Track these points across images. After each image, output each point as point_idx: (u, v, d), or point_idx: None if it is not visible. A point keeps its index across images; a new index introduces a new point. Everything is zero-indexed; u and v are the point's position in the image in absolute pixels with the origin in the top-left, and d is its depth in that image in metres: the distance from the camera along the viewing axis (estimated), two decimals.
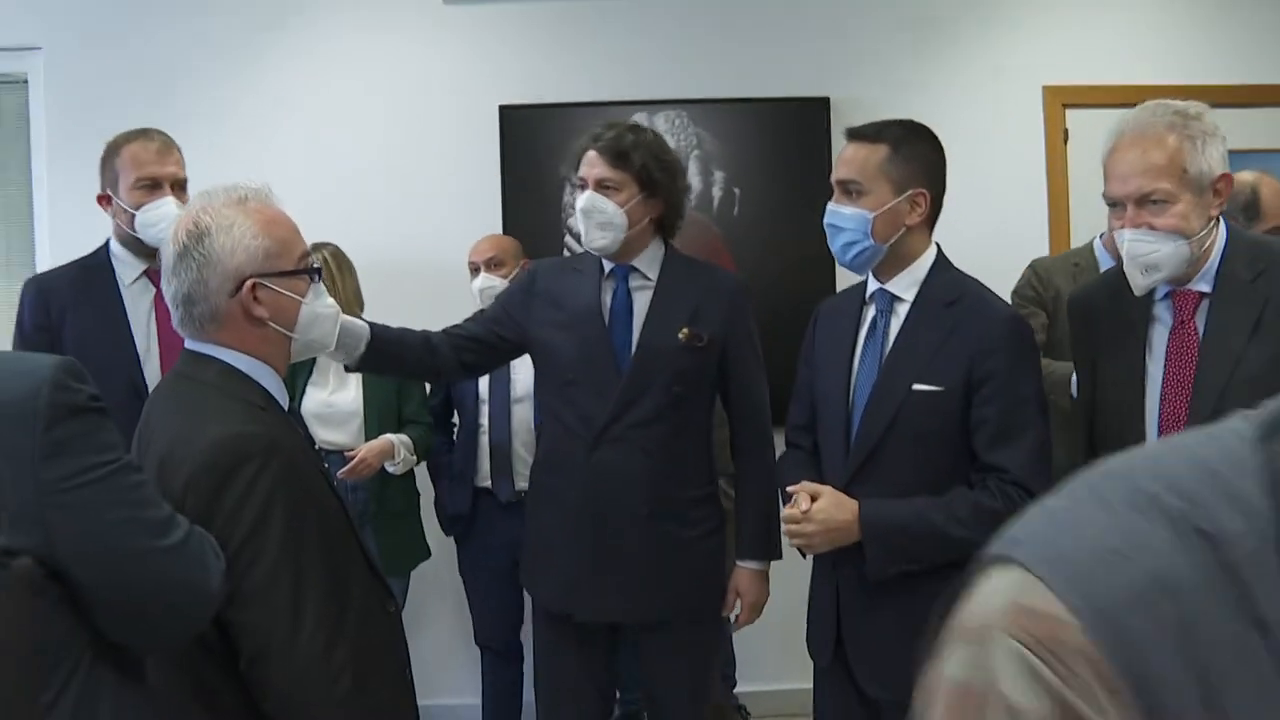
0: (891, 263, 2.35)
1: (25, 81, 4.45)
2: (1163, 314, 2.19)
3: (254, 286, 1.76)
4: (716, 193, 4.40)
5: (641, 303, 2.72)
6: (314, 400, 3.68)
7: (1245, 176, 3.53)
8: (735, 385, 2.77)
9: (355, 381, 3.73)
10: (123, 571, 1.39)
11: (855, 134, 2.37)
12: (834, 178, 2.38)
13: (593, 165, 2.68)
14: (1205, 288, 2.15)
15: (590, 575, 2.65)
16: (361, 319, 2.62)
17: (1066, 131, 4.50)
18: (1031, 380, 2.29)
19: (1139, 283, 2.15)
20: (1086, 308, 2.36)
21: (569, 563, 2.68)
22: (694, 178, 4.38)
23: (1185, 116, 2.10)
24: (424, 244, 4.36)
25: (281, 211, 1.87)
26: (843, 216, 2.32)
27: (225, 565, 1.55)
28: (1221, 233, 2.15)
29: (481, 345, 2.77)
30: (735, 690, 4.25)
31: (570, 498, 2.67)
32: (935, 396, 2.26)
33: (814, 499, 2.29)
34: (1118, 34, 4.51)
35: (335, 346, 2.39)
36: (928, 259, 2.37)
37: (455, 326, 2.79)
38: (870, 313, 2.39)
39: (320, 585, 1.68)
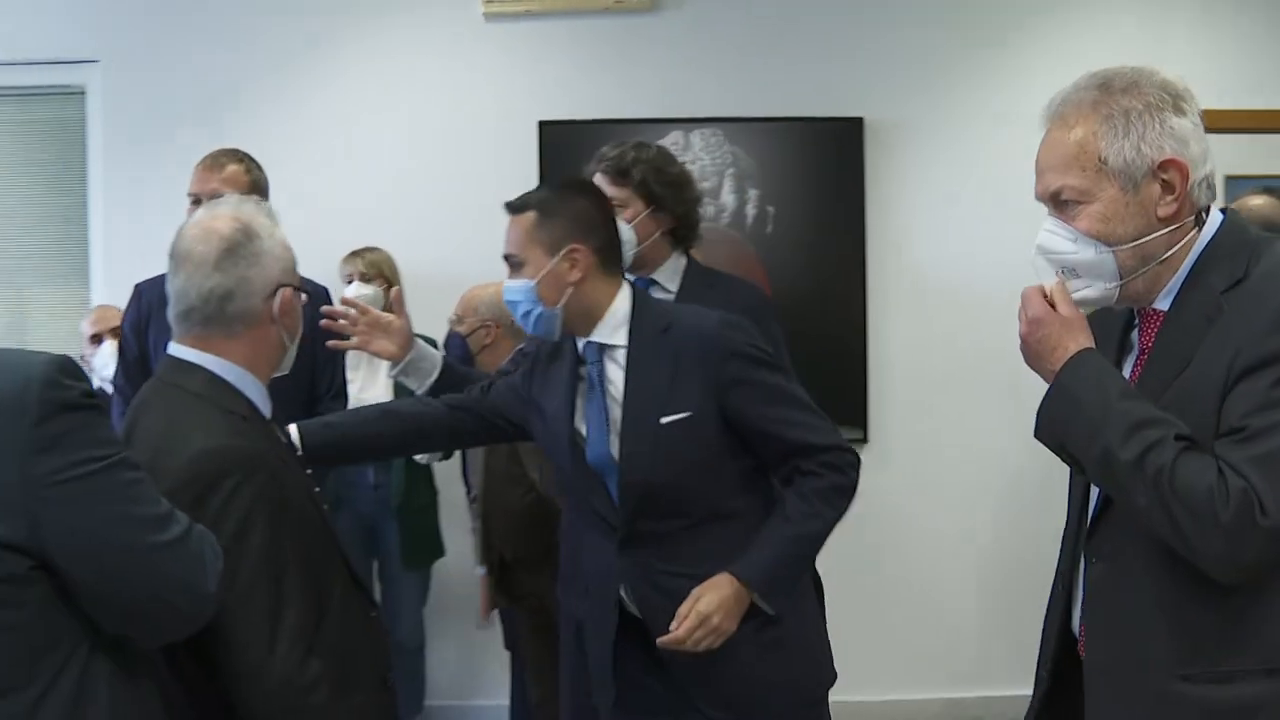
0: (582, 319, 2.30)
1: (83, 93, 4.60)
2: (1135, 338, 1.76)
3: (291, 293, 1.84)
4: (750, 210, 4.45)
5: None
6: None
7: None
8: None
9: (384, 376, 3.82)
10: (114, 567, 1.39)
11: (507, 207, 2.34)
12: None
13: (600, 187, 2.72)
14: (1166, 306, 1.67)
15: None
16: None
17: None
18: (770, 369, 2.26)
19: None
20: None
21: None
22: (728, 195, 4.45)
23: (1108, 90, 1.65)
24: (462, 258, 4.39)
25: None
26: (513, 290, 2.30)
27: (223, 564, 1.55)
28: (1206, 234, 1.66)
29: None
30: None
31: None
32: (686, 422, 2.22)
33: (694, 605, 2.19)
34: (1151, 49, 4.50)
35: (410, 378, 2.58)
36: (623, 301, 2.31)
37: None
38: (585, 369, 2.34)
39: (298, 598, 1.70)
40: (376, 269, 4.09)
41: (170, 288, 1.82)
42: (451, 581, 4.25)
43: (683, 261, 2.84)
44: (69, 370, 1.38)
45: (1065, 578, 1.82)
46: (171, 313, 1.82)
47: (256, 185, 3.33)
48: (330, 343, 2.62)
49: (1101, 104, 1.64)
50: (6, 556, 1.30)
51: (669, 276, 2.81)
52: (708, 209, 4.42)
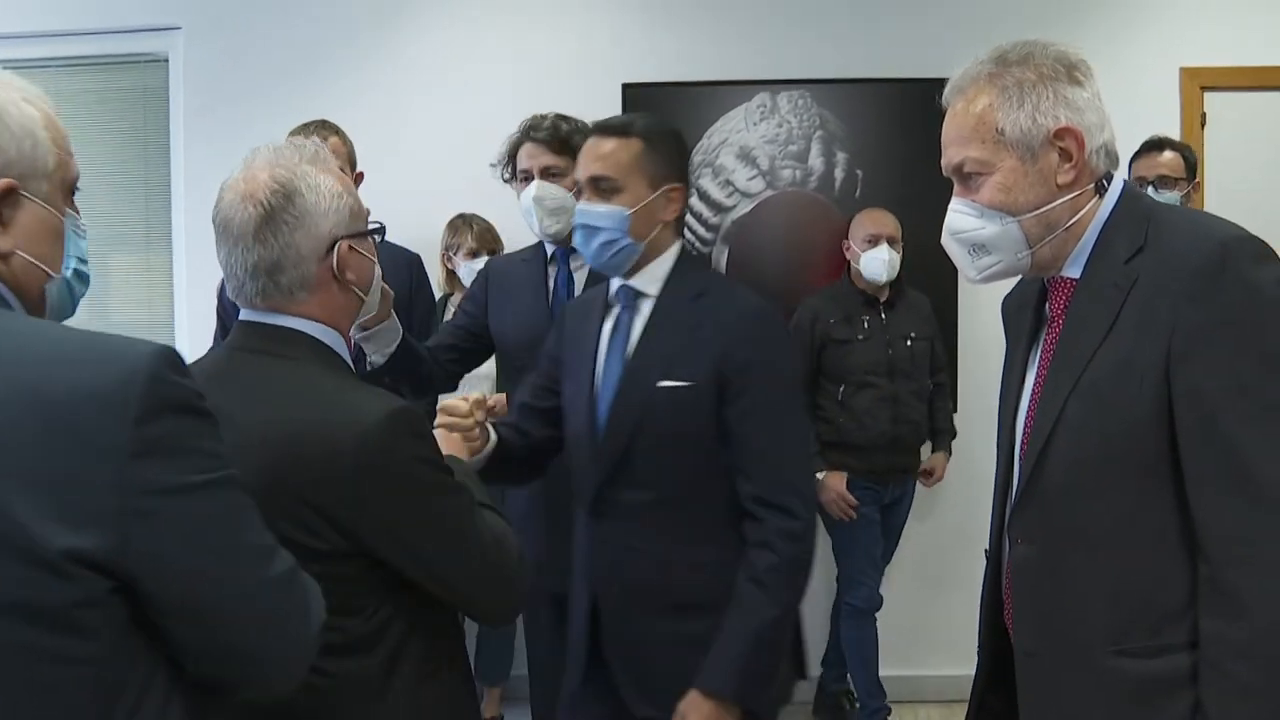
0: (638, 260, 2.22)
1: (165, 60, 4.61)
2: (1048, 309, 1.78)
3: (348, 249, 1.62)
4: (839, 174, 4.36)
5: (581, 280, 2.83)
6: None
7: None
8: None
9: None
10: (215, 600, 1.20)
11: (603, 128, 2.24)
12: (583, 175, 2.23)
13: (535, 156, 2.78)
14: (1075, 273, 1.70)
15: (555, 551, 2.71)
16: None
17: (1205, 116, 4.35)
18: (782, 373, 2.16)
19: (970, 269, 1.75)
20: (1004, 311, 1.96)
21: (536, 543, 2.71)
22: (816, 159, 4.35)
23: (1004, 63, 1.67)
24: None
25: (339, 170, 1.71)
26: (597, 215, 2.18)
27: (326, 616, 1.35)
28: (1108, 201, 1.69)
29: (459, 352, 2.86)
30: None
31: (534, 485, 2.69)
32: (684, 392, 2.12)
33: None
34: (1262, 12, 4.33)
35: (371, 343, 2.45)
36: (671, 254, 2.24)
37: (430, 345, 2.84)
38: (615, 311, 2.26)
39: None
40: (488, 242, 4.09)
41: (219, 258, 1.62)
42: None
43: None
44: (177, 365, 1.18)
45: (994, 564, 1.85)
46: (227, 286, 1.65)
47: (352, 155, 3.35)
48: None
49: (997, 76, 1.67)
50: (87, 575, 1.10)
51: None
52: (795, 172, 4.33)
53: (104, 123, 4.70)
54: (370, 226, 1.71)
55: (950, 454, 4.20)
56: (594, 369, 2.24)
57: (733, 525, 2.14)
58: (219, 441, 1.22)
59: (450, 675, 1.70)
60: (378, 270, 1.74)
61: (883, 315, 4.05)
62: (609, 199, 2.18)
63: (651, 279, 2.22)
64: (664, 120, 2.31)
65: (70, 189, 1.34)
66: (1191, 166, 3.78)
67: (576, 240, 2.25)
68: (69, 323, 1.34)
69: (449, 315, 3.84)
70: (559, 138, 2.79)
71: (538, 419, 2.37)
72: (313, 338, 1.61)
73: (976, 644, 1.90)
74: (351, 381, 1.61)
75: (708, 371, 2.11)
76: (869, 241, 4.01)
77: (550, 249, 2.87)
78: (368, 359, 2.51)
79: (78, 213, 1.37)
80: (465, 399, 2.11)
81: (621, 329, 2.23)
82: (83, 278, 1.38)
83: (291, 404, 1.54)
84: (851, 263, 4.09)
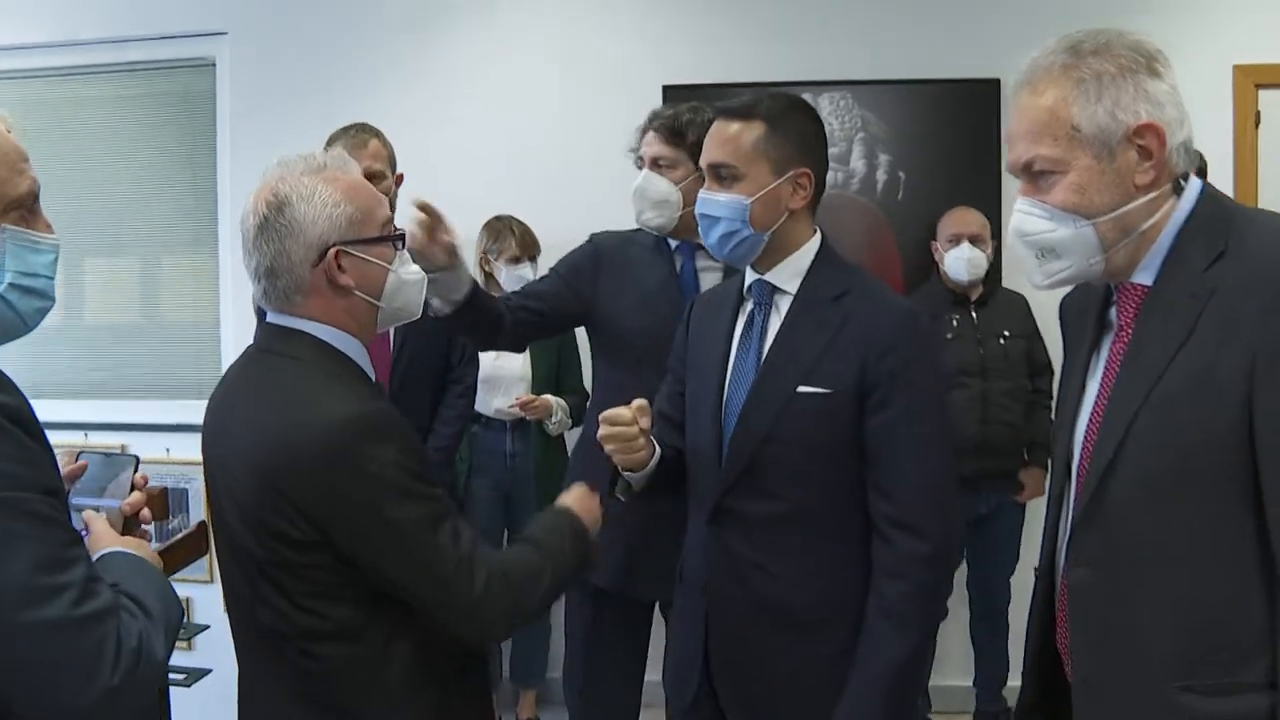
0: (771, 253, 2.08)
1: (213, 65, 4.67)
2: (1114, 315, 1.66)
3: (338, 255, 1.67)
4: (881, 176, 4.32)
5: (709, 282, 2.70)
6: (481, 363, 3.68)
7: None
8: None
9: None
10: None
11: (725, 111, 2.09)
12: (704, 161, 2.11)
13: (649, 144, 2.70)
14: (1147, 280, 1.57)
15: (640, 555, 2.66)
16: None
17: (1259, 114, 4.26)
18: (929, 383, 2.02)
19: (1036, 273, 1.64)
20: (1063, 314, 1.86)
21: (619, 543, 2.59)
22: (858, 161, 4.32)
23: (1078, 53, 1.54)
24: (587, 223, 4.38)
25: (360, 178, 1.77)
26: (716, 204, 2.06)
27: (144, 663, 1.24)
28: (1185, 203, 1.56)
29: (538, 315, 2.72)
30: None
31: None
32: (823, 399, 1.99)
33: None
34: None
35: (434, 282, 2.36)
36: (811, 248, 2.10)
37: (511, 298, 2.74)
38: (748, 307, 2.13)
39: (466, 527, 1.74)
40: (529, 247, 4.11)
41: None
42: None
43: None
44: None
45: (1045, 582, 1.74)
46: None
47: (392, 158, 3.36)
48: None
49: (1072, 68, 1.55)
50: None
51: None
52: (836, 175, 4.30)
53: (152, 127, 4.77)
54: (391, 233, 1.77)
55: (1046, 470, 3.92)
56: (724, 368, 2.13)
57: (863, 542, 2.02)
58: (6, 459, 1.13)
59: (456, 673, 1.77)
60: (401, 275, 1.77)
61: (973, 314, 3.99)
62: (729, 187, 2.06)
63: (790, 274, 2.09)
64: (794, 97, 2.17)
65: (15, 205, 1.32)
66: (1201, 172, 3.70)
67: (700, 229, 2.14)
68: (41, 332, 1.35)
69: None
70: (672, 127, 2.69)
71: (677, 432, 2.24)
72: (315, 337, 1.71)
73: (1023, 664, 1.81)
74: (337, 381, 1.68)
75: (850, 378, 1.99)
76: (951, 241, 4.00)
77: (674, 242, 2.77)
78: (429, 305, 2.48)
79: (38, 227, 1.36)
80: (630, 406, 2.01)
81: (756, 327, 2.11)
82: (32, 292, 1.36)
83: (276, 402, 1.66)
84: (939, 263, 4.08)
